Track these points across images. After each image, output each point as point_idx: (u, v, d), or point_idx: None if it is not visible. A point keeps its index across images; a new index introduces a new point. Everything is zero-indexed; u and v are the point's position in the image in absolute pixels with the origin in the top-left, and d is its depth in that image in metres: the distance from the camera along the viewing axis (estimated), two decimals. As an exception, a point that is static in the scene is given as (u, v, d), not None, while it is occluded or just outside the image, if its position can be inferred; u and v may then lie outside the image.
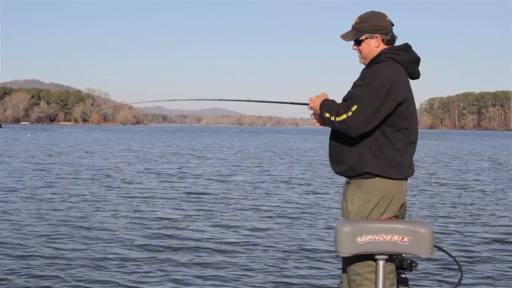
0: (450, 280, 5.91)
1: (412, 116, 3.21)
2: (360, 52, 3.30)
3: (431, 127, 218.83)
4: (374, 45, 3.24)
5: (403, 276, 3.17)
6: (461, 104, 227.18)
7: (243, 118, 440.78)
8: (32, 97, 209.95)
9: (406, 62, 3.21)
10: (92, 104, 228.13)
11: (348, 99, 3.08)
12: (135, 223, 9.00)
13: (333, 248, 6.90)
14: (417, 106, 3.67)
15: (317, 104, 3.24)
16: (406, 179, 3.22)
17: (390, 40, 3.26)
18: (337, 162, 3.28)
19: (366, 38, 3.25)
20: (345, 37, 3.30)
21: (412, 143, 3.22)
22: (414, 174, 3.34)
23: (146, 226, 8.77)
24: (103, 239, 7.75)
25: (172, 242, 7.65)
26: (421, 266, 6.10)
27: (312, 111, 3.35)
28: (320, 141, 55.49)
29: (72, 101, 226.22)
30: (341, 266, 3.38)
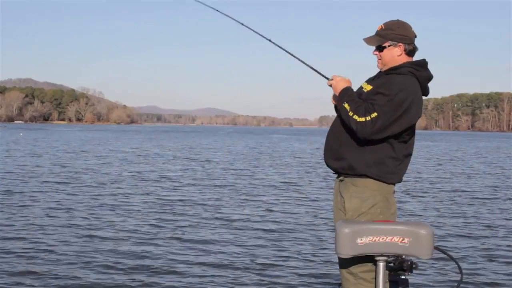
0: (450, 281, 5.89)
1: (414, 132, 3.32)
2: (380, 57, 3.33)
3: (425, 128, 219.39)
4: (396, 54, 3.27)
5: (403, 277, 3.16)
6: (455, 105, 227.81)
7: (237, 118, 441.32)
8: (26, 96, 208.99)
9: (423, 79, 3.25)
10: (86, 103, 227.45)
11: (370, 104, 3.09)
12: (95, 233, 8.05)
13: (322, 255, 6.90)
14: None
15: (339, 87, 3.29)
16: (395, 184, 3.31)
17: (411, 50, 3.30)
18: (336, 158, 3.31)
19: (389, 46, 3.27)
20: (369, 41, 3.32)
21: (409, 155, 3.32)
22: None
23: (108, 237, 7.73)
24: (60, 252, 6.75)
25: (143, 259, 6.58)
26: (421, 267, 6.09)
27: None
28: (314, 142, 55.52)
29: (66, 100, 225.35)
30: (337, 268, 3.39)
